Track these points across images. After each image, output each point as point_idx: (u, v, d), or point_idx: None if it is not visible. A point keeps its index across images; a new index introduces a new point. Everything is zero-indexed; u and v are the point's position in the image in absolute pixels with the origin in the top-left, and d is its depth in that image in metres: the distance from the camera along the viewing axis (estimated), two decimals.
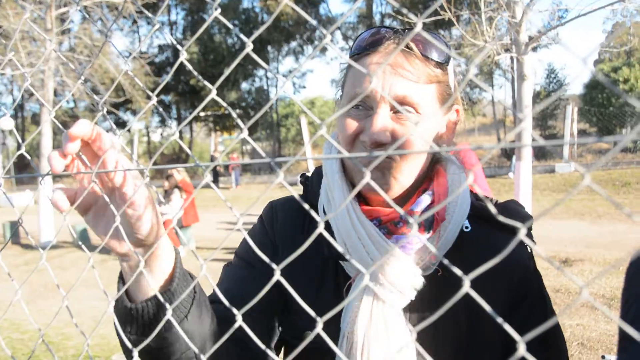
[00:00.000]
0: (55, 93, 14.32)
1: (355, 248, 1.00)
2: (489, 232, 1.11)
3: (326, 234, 0.61)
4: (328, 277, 1.11)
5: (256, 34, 0.54)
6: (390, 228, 1.03)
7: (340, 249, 0.59)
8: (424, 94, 1.01)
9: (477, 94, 34.97)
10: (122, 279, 0.86)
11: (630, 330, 0.38)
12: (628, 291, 0.98)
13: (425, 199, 1.06)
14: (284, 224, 1.18)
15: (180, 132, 38.71)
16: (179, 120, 37.90)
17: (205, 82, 0.64)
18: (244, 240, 1.18)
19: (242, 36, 0.55)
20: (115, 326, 0.86)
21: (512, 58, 8.20)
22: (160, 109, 0.67)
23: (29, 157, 0.99)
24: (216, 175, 27.10)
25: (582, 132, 27.66)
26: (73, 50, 14.06)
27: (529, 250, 1.15)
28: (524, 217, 1.13)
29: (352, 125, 1.03)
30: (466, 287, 0.45)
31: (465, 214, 1.08)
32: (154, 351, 0.85)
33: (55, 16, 12.63)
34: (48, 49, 12.34)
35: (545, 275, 7.27)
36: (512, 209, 1.15)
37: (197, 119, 37.07)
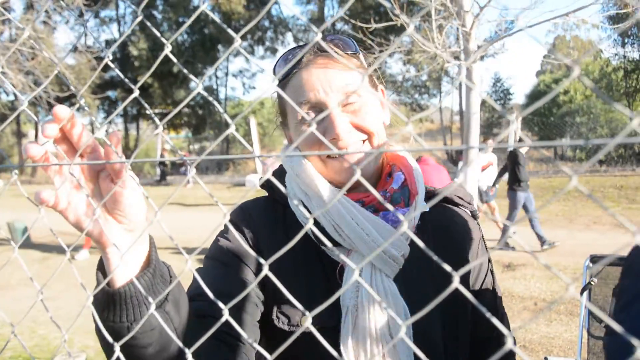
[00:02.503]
0: None
1: (350, 227, 1.07)
2: (442, 209, 1.30)
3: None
4: (314, 265, 1.16)
5: (246, 28, 0.52)
6: (377, 206, 1.14)
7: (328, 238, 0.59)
8: (357, 80, 1.13)
9: (426, 100, 35.64)
10: (101, 269, 0.86)
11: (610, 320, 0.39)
12: (622, 281, 1.10)
13: (400, 177, 1.20)
14: (260, 222, 1.22)
15: (126, 129, 37.90)
16: (125, 116, 37.09)
17: (192, 77, 0.63)
18: (214, 243, 1.22)
19: (230, 32, 0.53)
20: (94, 318, 0.85)
21: (460, 66, 8.37)
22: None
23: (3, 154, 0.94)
24: (163, 174, 26.59)
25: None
26: (14, 41, 13.57)
27: (478, 223, 1.35)
28: (467, 195, 1.34)
29: (313, 133, 1.09)
30: (456, 283, 0.49)
31: (423, 193, 1.20)
32: (133, 339, 0.84)
33: None
34: None
35: None
36: (456, 188, 1.35)
37: (144, 116, 36.38)
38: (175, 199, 18.31)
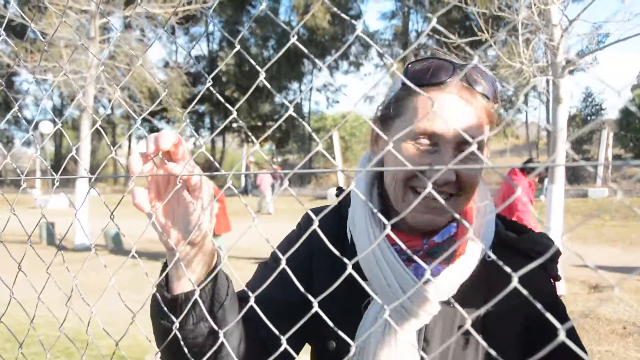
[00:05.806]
0: (95, 99, 14.68)
1: (373, 272, 1.01)
2: (513, 262, 1.05)
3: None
4: (353, 292, 1.03)
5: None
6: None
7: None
8: (485, 133, 1.02)
9: (511, 115, 34.68)
10: (164, 270, 0.95)
11: None
12: None
13: (450, 230, 1.08)
14: (325, 234, 1.14)
15: (213, 142, 39.18)
16: (212, 130, 38.33)
17: (229, 106, 0.70)
18: (281, 242, 1.25)
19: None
20: (153, 317, 0.96)
21: (547, 80, 8.16)
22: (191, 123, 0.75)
23: (79, 159, 1.07)
24: (247, 185, 27.22)
25: (617, 157, 27.18)
26: (113, 58, 14.41)
27: (552, 283, 1.13)
28: (550, 250, 1.07)
29: (418, 157, 0.99)
30: (515, 282, 0.50)
31: (487, 246, 1.06)
32: (182, 340, 0.91)
33: (98, 25, 13.00)
34: (92, 57, 12.67)
35: (574, 301, 7.17)
36: (539, 241, 1.11)
37: (230, 129, 37.48)
38: (255, 209, 18.72)
